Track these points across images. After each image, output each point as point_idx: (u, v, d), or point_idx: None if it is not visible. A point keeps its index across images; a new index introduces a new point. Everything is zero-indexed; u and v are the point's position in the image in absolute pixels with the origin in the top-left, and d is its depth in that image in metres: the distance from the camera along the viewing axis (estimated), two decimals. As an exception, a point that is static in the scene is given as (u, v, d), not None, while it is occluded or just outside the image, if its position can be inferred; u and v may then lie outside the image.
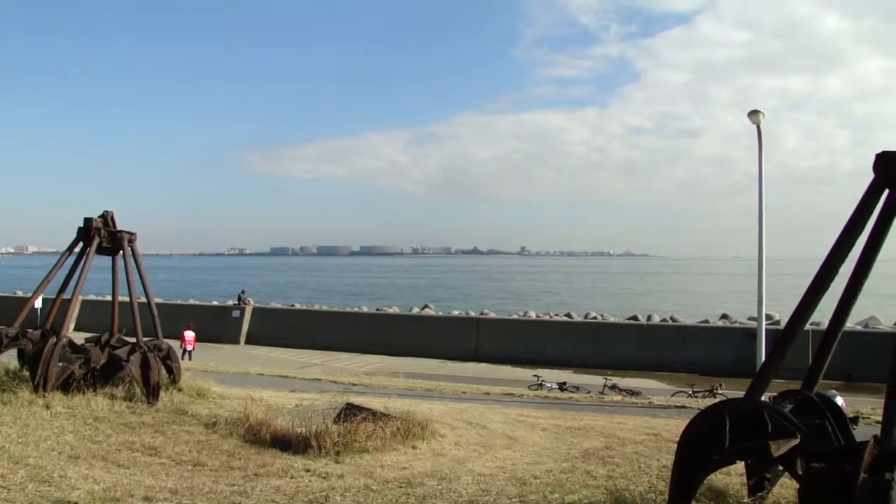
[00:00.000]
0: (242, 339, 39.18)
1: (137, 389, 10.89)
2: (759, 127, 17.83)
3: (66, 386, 10.53)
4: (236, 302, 42.24)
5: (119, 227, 12.25)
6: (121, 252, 12.15)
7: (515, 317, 41.81)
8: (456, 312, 45.34)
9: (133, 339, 11.50)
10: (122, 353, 11.18)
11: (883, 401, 4.78)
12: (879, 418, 4.53)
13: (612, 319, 40.11)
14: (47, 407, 9.70)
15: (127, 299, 12.01)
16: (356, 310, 45.46)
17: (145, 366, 10.99)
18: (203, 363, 23.67)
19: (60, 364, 10.57)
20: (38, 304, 16.01)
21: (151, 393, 10.79)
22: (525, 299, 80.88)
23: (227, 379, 16.18)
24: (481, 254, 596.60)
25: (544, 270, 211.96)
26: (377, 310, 46.50)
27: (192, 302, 49.03)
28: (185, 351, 29.11)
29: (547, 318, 41.60)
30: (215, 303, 48.42)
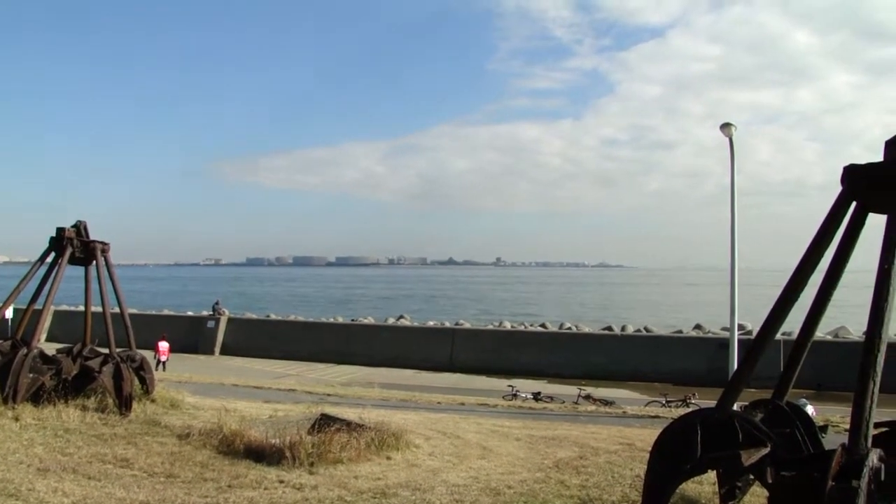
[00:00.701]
0: (217, 349, 38.86)
1: (110, 401, 10.73)
2: (731, 139, 18.07)
3: (37, 397, 10.34)
4: (211, 312, 41.88)
5: (92, 237, 12.12)
6: (94, 262, 12.01)
7: (490, 327, 41.92)
8: (431, 323, 45.34)
9: (106, 350, 11.36)
10: (94, 363, 11.02)
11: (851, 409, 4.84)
12: (848, 426, 4.61)
13: (586, 329, 40.35)
14: (16, 419, 9.52)
15: (100, 310, 11.87)
16: (332, 320, 45.28)
17: (118, 377, 10.83)
18: (177, 374, 23.42)
19: (31, 375, 10.38)
20: (8, 314, 15.78)
21: (124, 404, 10.64)
22: (500, 310, 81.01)
23: (201, 390, 16.02)
24: (457, 264, 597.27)
25: (519, 281, 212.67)
26: (353, 320, 46.37)
27: (166, 312, 48.56)
28: (159, 362, 28.82)
29: (522, 328, 41.75)
30: (190, 313, 47.98)
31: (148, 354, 15.37)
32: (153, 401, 11.46)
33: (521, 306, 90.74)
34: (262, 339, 38.79)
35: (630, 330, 40.54)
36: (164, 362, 29.24)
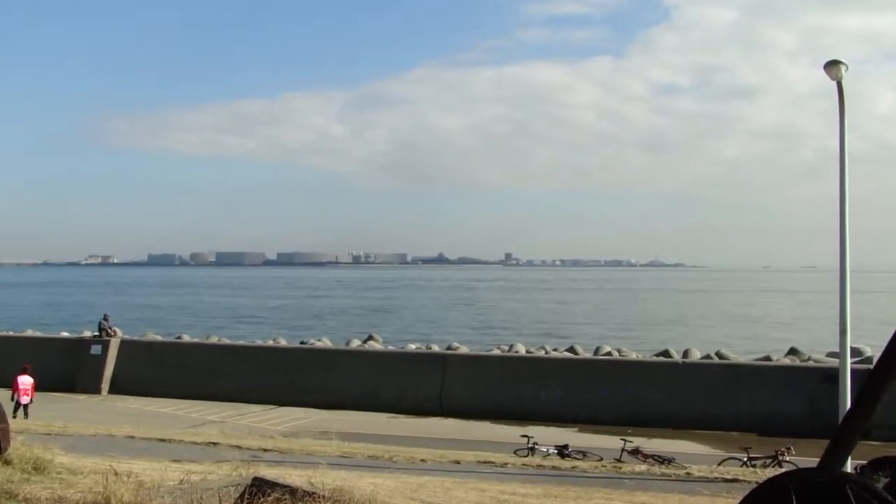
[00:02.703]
0: (105, 385, 38.72)
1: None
2: (839, 84, 18.00)
3: None
4: (96, 333, 41.73)
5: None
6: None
7: (497, 352, 41.82)
8: (413, 346, 45.25)
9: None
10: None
11: None
12: None
13: (633, 356, 40.31)
14: None
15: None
16: (270, 343, 45.15)
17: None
18: (46, 422, 23.31)
19: None
20: None
21: (-35, 466, 10.54)
22: (510, 327, 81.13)
23: (80, 444, 15.94)
24: (449, 263, 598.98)
25: (538, 286, 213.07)
26: (301, 343, 46.25)
27: (30, 333, 48.41)
28: (18, 405, 28.68)
29: (542, 353, 41.68)
30: (65, 334, 47.82)
31: (2, 395, 15.00)
32: (8, 462, 11.37)
33: (540, 322, 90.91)
34: (170, 370, 38.67)
35: (696, 356, 40.60)
36: (25, 405, 29.08)
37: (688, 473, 17.84)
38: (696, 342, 50.92)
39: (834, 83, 18.11)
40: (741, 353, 44.05)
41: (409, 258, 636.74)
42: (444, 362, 36.54)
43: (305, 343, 46.59)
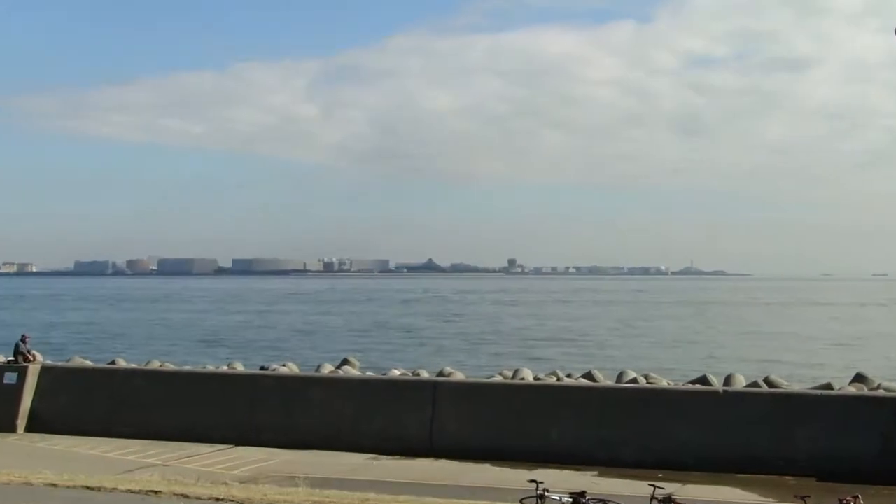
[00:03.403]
0: (22, 422, 38.59)
1: None
2: (912, 53, 18.01)
3: None
4: (11, 358, 41.63)
5: None
6: None
7: (499, 379, 41.76)
8: (397, 372, 45.22)
9: None
10: None
11: None
12: None
13: (664, 383, 40.30)
14: None
15: None
16: (224, 370, 45.04)
17: None
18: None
19: None
20: None
21: None
22: (514, 349, 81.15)
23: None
24: (440, 271, 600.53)
25: (548, 298, 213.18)
26: (262, 369, 46.12)
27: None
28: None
29: (553, 380, 41.64)
30: (-27, 359, 47.64)
31: None
32: None
33: (550, 342, 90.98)
34: (102, 403, 38.57)
35: (740, 383, 40.61)
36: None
37: (731, 526, 17.85)
38: (741, 366, 51.04)
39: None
40: (796, 379, 44.12)
41: (391, 265, 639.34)
42: (436, 391, 36.46)
43: (267, 369, 46.46)
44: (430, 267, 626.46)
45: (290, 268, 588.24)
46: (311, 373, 45.60)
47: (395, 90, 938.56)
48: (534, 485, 24.50)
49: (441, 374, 43.95)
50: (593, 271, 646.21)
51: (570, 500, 23.00)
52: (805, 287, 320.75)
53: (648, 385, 39.29)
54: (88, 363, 46.96)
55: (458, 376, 42.79)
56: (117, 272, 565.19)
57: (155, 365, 47.27)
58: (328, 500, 19.84)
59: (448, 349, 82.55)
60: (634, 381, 41.56)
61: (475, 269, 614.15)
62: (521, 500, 22.38)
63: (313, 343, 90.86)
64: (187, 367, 46.85)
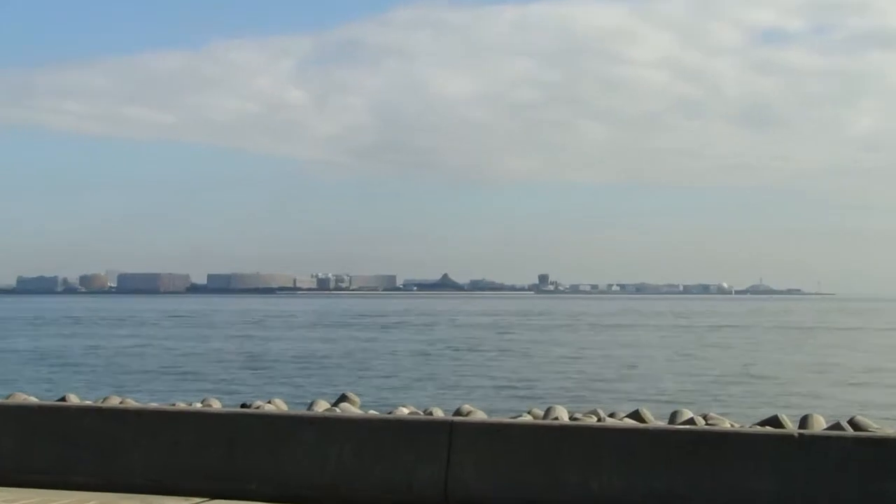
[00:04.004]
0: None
1: None
2: None
3: None
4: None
5: None
6: None
7: (528, 418, 41.47)
8: (405, 410, 44.99)
9: None
10: None
11: None
12: None
13: (727, 424, 39.98)
14: None
15: None
16: (198, 407, 44.90)
17: None
18: None
19: None
20: None
21: None
22: (546, 384, 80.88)
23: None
24: (458, 289, 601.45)
25: (587, 322, 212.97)
26: (243, 406, 45.96)
27: None
28: None
29: (593, 420, 41.40)
30: None
31: None
32: None
33: (590, 375, 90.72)
34: (49, 447, 38.24)
35: (820, 425, 40.30)
36: None
37: None
38: (820, 404, 50.73)
39: None
40: (888, 421, 43.74)
41: (399, 282, 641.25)
42: (452, 433, 36.09)
43: (249, 406, 46.31)
44: (445, 284, 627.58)
45: (276, 284, 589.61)
46: (303, 411, 45.33)
47: (400, 72, 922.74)
48: (571, 547, 24.32)
49: (458, 412, 43.69)
50: (641, 289, 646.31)
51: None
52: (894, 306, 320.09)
53: (708, 427, 38.89)
54: (32, 399, 46.80)
55: (479, 415, 42.53)
56: (69, 289, 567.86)
57: (113, 402, 47.08)
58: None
59: (467, 381, 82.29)
60: (691, 421, 41.27)
61: (500, 287, 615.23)
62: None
63: (306, 372, 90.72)
64: (153, 405, 46.64)
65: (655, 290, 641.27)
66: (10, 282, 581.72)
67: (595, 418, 43.53)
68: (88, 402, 46.53)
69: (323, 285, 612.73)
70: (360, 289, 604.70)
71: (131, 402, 47.43)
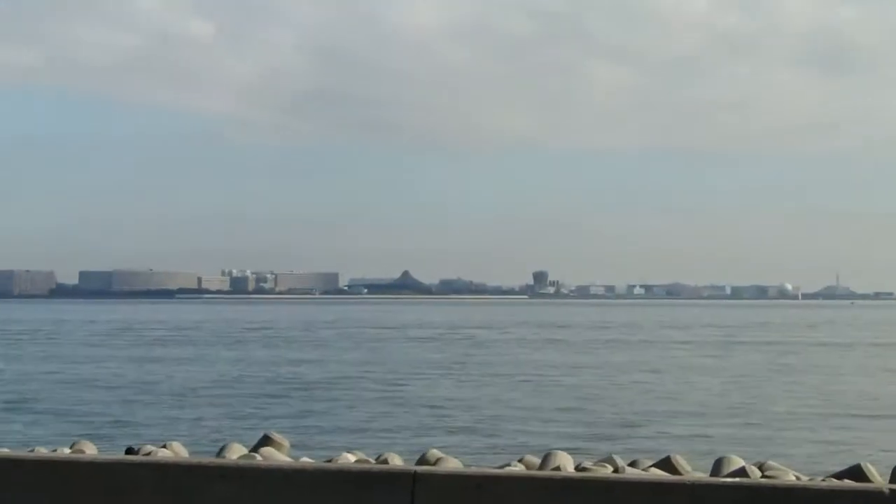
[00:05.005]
0: None
1: None
2: None
3: None
4: None
5: None
6: None
7: (518, 468, 41.29)
8: (351, 458, 44.75)
9: None
10: None
11: None
12: None
13: (790, 476, 39.84)
14: None
15: None
16: (66, 453, 44.57)
17: None
18: None
19: None
20: None
21: None
22: (544, 418, 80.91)
23: None
24: (422, 291, 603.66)
25: (597, 337, 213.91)
26: (129, 452, 45.67)
27: None
28: None
29: (608, 470, 41.16)
30: None
31: None
32: None
33: (602, 409, 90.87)
34: None
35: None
36: None
37: None
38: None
39: None
40: None
41: (343, 282, 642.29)
42: (415, 488, 35.74)
43: (137, 452, 45.99)
44: (406, 284, 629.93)
45: (174, 286, 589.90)
46: (211, 459, 44.93)
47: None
48: None
49: (423, 459, 43.24)
50: (673, 292, 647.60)
51: None
52: None
53: (765, 480, 38.61)
54: None
55: (452, 463, 42.14)
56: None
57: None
58: None
59: (434, 418, 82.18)
60: (742, 472, 40.95)
61: (481, 289, 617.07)
62: None
63: (220, 405, 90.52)
64: (3, 450, 46.33)
65: (693, 292, 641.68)
66: None
67: (611, 468, 43.21)
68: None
69: (238, 286, 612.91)
70: (288, 291, 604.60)
71: (5, 451, 46.90)
